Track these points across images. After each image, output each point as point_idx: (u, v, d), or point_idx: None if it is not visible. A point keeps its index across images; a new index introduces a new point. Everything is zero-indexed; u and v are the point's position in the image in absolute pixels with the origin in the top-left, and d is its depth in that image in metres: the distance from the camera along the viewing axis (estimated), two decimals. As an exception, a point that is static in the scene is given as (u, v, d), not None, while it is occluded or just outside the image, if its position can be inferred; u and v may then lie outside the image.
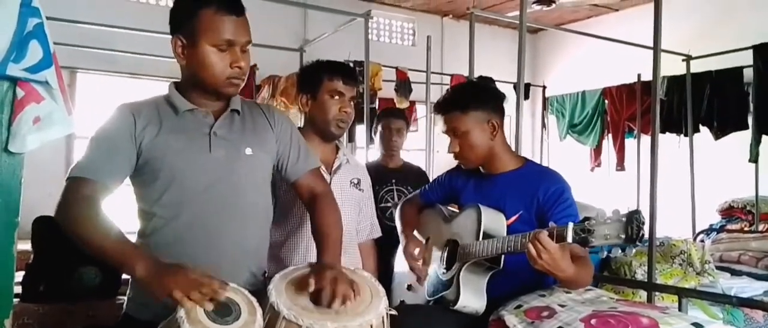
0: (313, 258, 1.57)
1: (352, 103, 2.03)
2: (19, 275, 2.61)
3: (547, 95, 7.03)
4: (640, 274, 3.04)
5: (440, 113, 1.96)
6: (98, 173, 1.44)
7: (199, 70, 1.50)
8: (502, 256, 1.76)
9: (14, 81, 1.32)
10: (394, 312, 1.41)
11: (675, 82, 5.47)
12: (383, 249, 2.29)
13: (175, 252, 1.44)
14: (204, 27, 1.45)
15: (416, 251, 2.01)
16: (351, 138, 5.54)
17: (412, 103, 6.41)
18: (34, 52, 1.32)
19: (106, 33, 4.79)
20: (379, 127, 3.26)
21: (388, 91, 5.95)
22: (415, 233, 2.13)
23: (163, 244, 1.48)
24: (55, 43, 1.40)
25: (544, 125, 7.10)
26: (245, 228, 1.58)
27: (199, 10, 1.46)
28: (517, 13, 3.15)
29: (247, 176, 1.57)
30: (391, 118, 3.25)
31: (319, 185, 1.71)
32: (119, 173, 1.49)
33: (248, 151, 1.58)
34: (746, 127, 4.94)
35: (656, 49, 2.87)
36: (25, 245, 2.66)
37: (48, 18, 1.40)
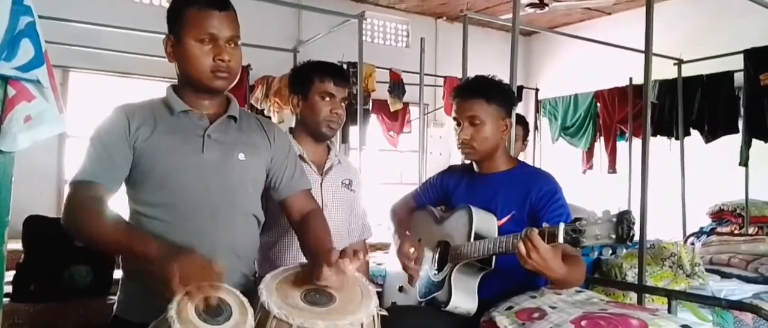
0: (303, 260, 1.57)
1: (343, 104, 2.04)
2: (9, 275, 2.60)
3: (539, 98, 7.05)
4: (631, 276, 3.05)
5: (463, 98, 1.93)
6: (99, 176, 1.46)
7: (184, 65, 1.52)
8: (494, 257, 1.76)
9: (5, 79, 1.32)
10: (384, 312, 1.41)
11: (666, 85, 5.50)
12: None
13: None
14: (187, 23, 1.49)
15: (411, 250, 2.00)
16: (344, 139, 5.54)
17: (406, 104, 6.42)
18: (26, 50, 1.32)
19: (98, 32, 4.77)
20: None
21: (381, 92, 5.96)
22: (408, 233, 2.13)
23: None
24: (47, 42, 1.40)
25: (536, 128, 7.12)
26: (235, 231, 1.58)
27: (184, 8, 1.50)
28: (511, 15, 3.16)
29: (239, 179, 1.58)
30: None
31: (310, 205, 1.71)
32: (119, 175, 1.50)
33: (241, 156, 1.58)
34: (737, 131, 4.98)
35: (648, 52, 2.88)
36: (16, 245, 2.65)
37: (40, 17, 1.39)
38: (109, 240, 1.38)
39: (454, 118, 1.97)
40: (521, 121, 3.08)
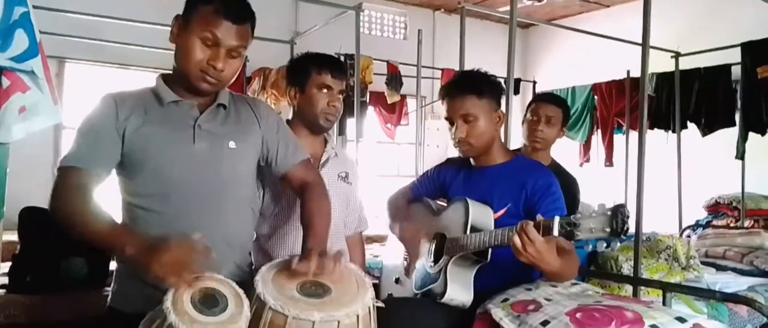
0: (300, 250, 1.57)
1: (340, 96, 2.03)
2: (5, 266, 2.61)
3: (537, 90, 7.05)
4: (627, 268, 3.06)
5: (453, 96, 1.90)
6: (87, 161, 1.45)
7: (179, 55, 1.51)
8: (490, 249, 1.76)
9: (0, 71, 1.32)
10: (381, 304, 1.42)
11: (664, 78, 5.50)
12: None
13: None
14: (198, 19, 1.47)
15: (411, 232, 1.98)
16: (341, 131, 5.53)
17: (403, 97, 6.41)
18: (20, 41, 1.32)
19: (94, 23, 4.75)
20: (528, 113, 2.75)
21: (378, 84, 5.95)
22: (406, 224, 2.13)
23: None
24: (42, 33, 1.40)
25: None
26: (229, 221, 1.58)
27: (200, 3, 1.48)
28: (508, 7, 3.15)
29: (230, 169, 1.57)
30: (543, 103, 2.74)
31: (310, 175, 1.70)
32: (107, 161, 1.49)
33: (232, 144, 1.57)
34: (733, 125, 4.98)
35: (645, 45, 2.88)
36: (12, 236, 2.65)
37: (35, 7, 1.39)
38: (90, 233, 1.38)
39: (447, 118, 1.94)
40: (562, 104, 2.80)
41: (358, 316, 1.31)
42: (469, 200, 1.85)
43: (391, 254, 2.30)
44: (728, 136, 4.93)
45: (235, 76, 1.58)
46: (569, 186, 2.48)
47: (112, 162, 1.50)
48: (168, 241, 1.28)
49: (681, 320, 1.48)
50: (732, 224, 5.11)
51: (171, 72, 1.59)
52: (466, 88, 1.90)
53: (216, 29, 1.45)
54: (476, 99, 1.88)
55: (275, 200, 1.92)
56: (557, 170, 2.56)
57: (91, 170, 1.45)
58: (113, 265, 1.52)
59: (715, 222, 5.26)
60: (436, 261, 1.91)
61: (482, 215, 1.83)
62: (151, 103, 1.54)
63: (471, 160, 2.02)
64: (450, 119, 1.93)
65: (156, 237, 1.34)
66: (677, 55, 5.38)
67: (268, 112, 1.72)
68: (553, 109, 2.71)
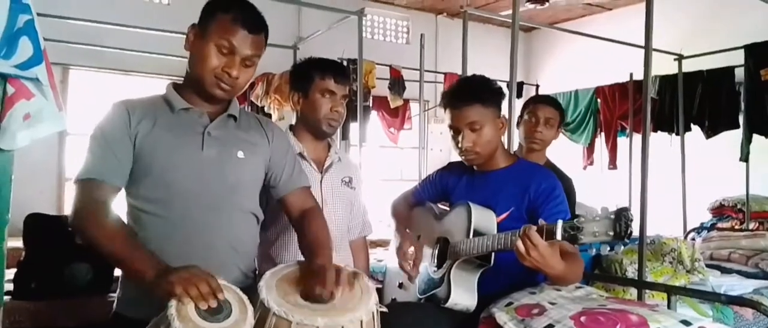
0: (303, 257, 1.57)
1: (343, 101, 2.03)
2: (10, 273, 2.62)
3: (540, 94, 7.05)
4: (631, 272, 3.05)
5: (458, 105, 1.88)
6: (104, 173, 1.46)
7: (194, 61, 1.53)
8: (493, 253, 1.76)
9: (4, 78, 1.32)
10: (384, 309, 1.42)
11: (667, 81, 5.49)
12: None
13: (163, 249, 1.44)
14: (216, 27, 1.49)
15: (410, 250, 1.99)
16: (344, 135, 5.54)
17: (406, 101, 6.42)
18: (25, 48, 1.32)
19: (98, 30, 4.78)
20: (525, 114, 2.75)
21: (381, 89, 5.96)
22: (408, 231, 2.13)
23: (152, 241, 1.48)
24: (46, 40, 1.41)
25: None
26: (234, 228, 1.58)
27: (218, 12, 1.51)
28: (511, 11, 3.15)
29: (237, 177, 1.58)
30: (540, 104, 2.74)
31: (309, 202, 1.72)
32: (123, 170, 1.50)
33: (240, 154, 1.59)
34: (737, 127, 4.98)
35: (648, 48, 2.88)
36: (17, 243, 2.66)
37: (39, 14, 1.40)
38: (110, 252, 1.39)
39: (451, 126, 1.92)
40: (559, 106, 2.80)
41: (361, 322, 1.31)
42: (471, 204, 1.84)
43: (394, 258, 2.29)
44: (732, 138, 4.92)
45: (248, 84, 1.59)
46: (565, 187, 2.46)
47: (127, 170, 1.51)
48: (187, 267, 1.29)
49: (686, 323, 1.48)
50: (737, 227, 5.10)
51: (181, 81, 1.61)
52: (471, 96, 1.88)
53: (233, 38, 1.48)
54: (481, 107, 1.86)
55: (279, 206, 1.91)
56: (552, 170, 2.46)
57: (109, 181, 1.46)
58: (118, 271, 1.52)
59: (719, 225, 5.25)
60: (439, 266, 1.91)
61: (485, 219, 1.83)
62: (161, 110, 1.56)
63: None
64: (455, 128, 1.90)
65: (175, 267, 1.34)
66: (680, 58, 5.37)
67: (279, 133, 1.75)
68: (551, 110, 2.71)
